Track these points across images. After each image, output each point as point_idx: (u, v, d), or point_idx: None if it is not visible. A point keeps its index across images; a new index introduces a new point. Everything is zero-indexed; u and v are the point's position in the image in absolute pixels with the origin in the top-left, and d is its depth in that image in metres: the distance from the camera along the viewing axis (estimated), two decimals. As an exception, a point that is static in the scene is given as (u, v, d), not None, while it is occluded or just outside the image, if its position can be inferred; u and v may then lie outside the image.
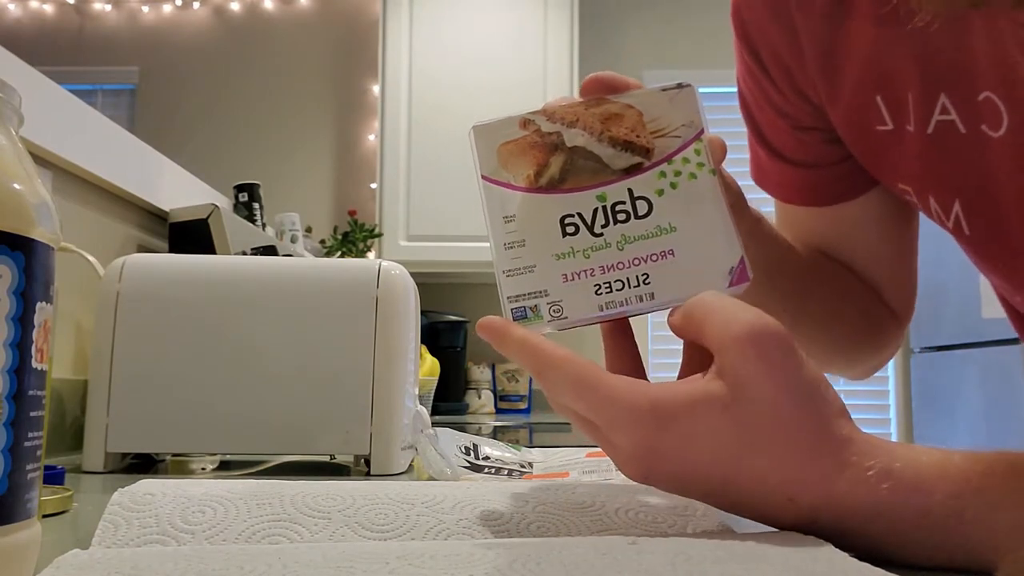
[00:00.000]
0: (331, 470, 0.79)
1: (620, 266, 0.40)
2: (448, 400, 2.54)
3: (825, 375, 0.38)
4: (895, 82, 0.55)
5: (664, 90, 0.43)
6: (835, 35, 0.57)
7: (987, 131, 0.51)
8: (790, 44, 0.60)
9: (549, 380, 0.39)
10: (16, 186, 0.29)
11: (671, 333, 0.42)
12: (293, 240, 2.06)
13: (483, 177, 0.43)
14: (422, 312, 1.88)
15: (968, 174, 0.54)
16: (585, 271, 0.41)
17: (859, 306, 0.70)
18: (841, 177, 0.65)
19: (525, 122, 0.43)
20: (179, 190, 1.36)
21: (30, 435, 0.29)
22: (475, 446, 0.66)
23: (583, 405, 0.38)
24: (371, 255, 2.50)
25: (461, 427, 1.24)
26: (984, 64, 0.50)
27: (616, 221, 0.41)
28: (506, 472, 0.63)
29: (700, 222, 0.41)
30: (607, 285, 0.41)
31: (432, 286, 2.76)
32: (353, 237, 2.38)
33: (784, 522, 0.37)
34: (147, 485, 0.41)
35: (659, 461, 0.37)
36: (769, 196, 0.71)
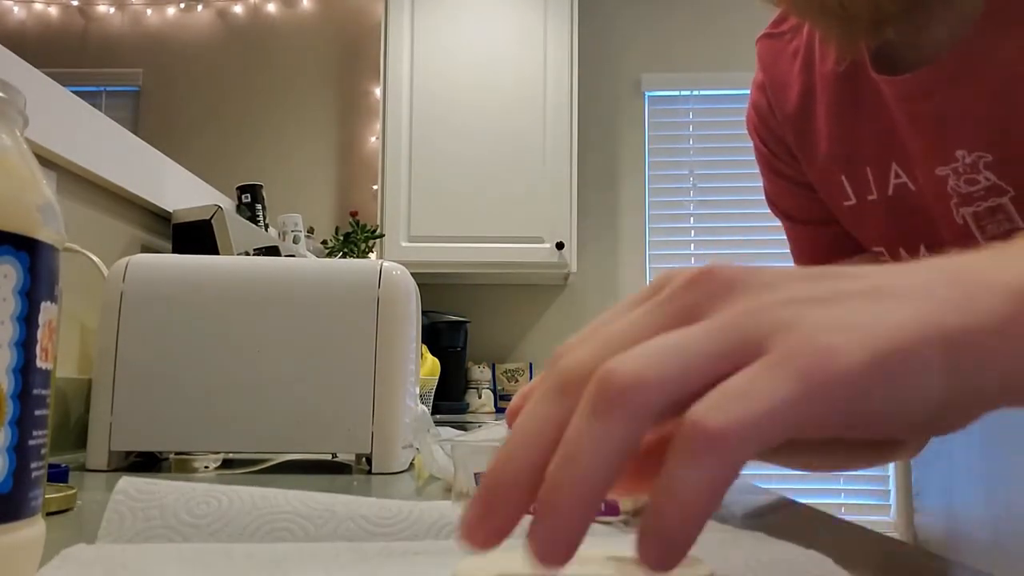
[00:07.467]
0: (333, 468, 0.80)
1: None
2: (448, 399, 2.55)
3: None
4: (855, 162, 0.60)
5: None
6: (806, 123, 0.63)
7: (912, 186, 0.57)
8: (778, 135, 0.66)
9: None
10: (21, 187, 0.30)
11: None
12: (295, 241, 2.06)
13: None
14: (423, 312, 1.88)
15: (926, 223, 0.58)
16: None
17: None
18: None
19: None
20: (183, 191, 1.37)
21: (35, 433, 0.30)
22: (475, 445, 0.66)
23: None
24: (373, 256, 2.50)
25: (461, 426, 1.24)
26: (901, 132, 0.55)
27: None
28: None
29: None
30: None
31: (433, 286, 2.76)
32: (355, 238, 2.38)
33: None
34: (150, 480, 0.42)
35: None
36: None
